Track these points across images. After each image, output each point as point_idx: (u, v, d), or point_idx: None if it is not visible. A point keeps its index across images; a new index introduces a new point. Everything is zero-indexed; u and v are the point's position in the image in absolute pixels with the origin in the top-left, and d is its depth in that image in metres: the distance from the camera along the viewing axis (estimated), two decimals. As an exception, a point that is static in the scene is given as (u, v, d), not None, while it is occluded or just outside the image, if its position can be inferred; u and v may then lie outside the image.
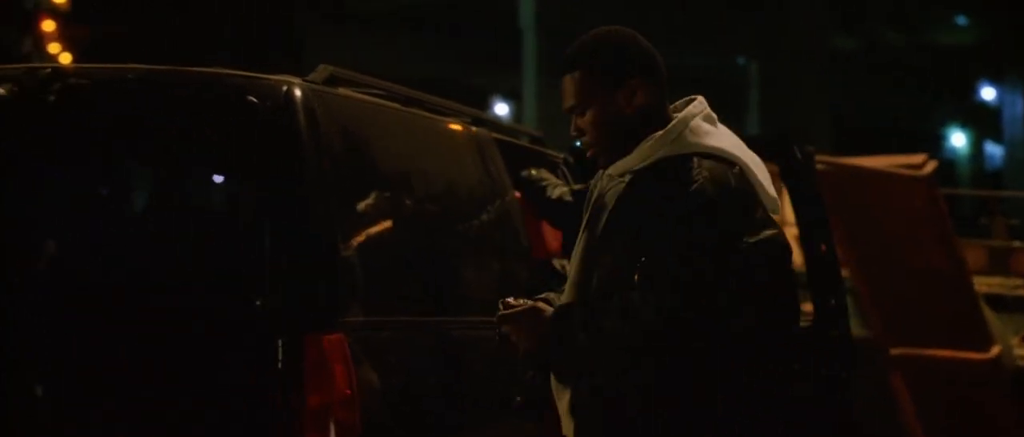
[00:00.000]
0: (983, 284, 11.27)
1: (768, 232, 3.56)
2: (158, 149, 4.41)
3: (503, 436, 4.98)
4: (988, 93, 37.85)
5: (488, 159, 5.30)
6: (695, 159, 3.60)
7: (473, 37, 33.03)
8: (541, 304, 3.67)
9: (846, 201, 8.64)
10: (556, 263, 5.73)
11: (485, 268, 5.19)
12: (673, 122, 3.66)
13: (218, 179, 4.44)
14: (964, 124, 39.13)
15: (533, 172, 5.72)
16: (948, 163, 34.16)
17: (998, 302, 11.15)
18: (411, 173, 4.86)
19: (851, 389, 5.70)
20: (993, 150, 39.70)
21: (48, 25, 21.30)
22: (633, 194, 3.63)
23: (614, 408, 3.59)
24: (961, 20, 36.88)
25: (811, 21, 31.91)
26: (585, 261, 3.69)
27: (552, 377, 3.78)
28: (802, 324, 5.85)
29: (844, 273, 6.26)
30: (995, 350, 9.52)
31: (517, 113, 33.16)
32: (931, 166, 9.89)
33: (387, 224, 4.59)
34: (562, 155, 6.17)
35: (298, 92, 4.30)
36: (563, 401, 3.73)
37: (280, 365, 4.10)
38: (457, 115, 5.44)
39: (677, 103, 3.76)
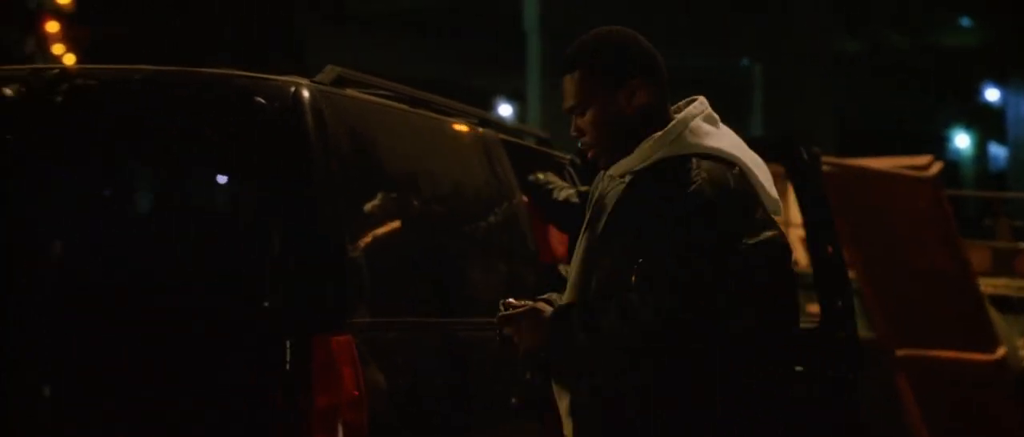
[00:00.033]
0: (988, 285, 11.27)
1: (768, 233, 3.55)
2: (166, 150, 4.41)
3: (509, 437, 4.98)
4: (992, 95, 37.82)
5: (495, 160, 5.30)
6: (694, 160, 3.59)
7: (475, 38, 33.02)
8: (541, 304, 3.66)
9: (851, 202, 8.64)
10: (562, 269, 5.73)
11: (491, 269, 5.19)
12: (673, 122, 3.65)
13: (226, 180, 4.45)
14: (968, 126, 39.11)
15: (540, 176, 5.72)
16: (952, 164, 34.14)
17: (1003, 303, 11.15)
18: (418, 174, 4.86)
19: (858, 390, 5.70)
20: (997, 151, 39.67)
21: (52, 26, 21.31)
22: (633, 195, 3.63)
23: (613, 409, 3.59)
24: (965, 22, 36.86)
25: (815, 23, 31.91)
26: (585, 262, 3.69)
27: (553, 378, 3.78)
28: (809, 325, 5.87)
29: (850, 274, 6.27)
30: (1000, 351, 9.52)
31: (521, 114, 33.13)
32: (936, 167, 9.90)
33: (394, 225, 4.59)
34: (569, 156, 6.17)
35: (306, 93, 4.30)
36: (563, 402, 3.72)
37: (288, 366, 4.10)
38: (464, 116, 5.44)
39: (679, 104, 3.76)
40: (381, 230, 4.51)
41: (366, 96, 4.81)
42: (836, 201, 6.47)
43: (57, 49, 21.29)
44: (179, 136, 4.38)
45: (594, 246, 3.67)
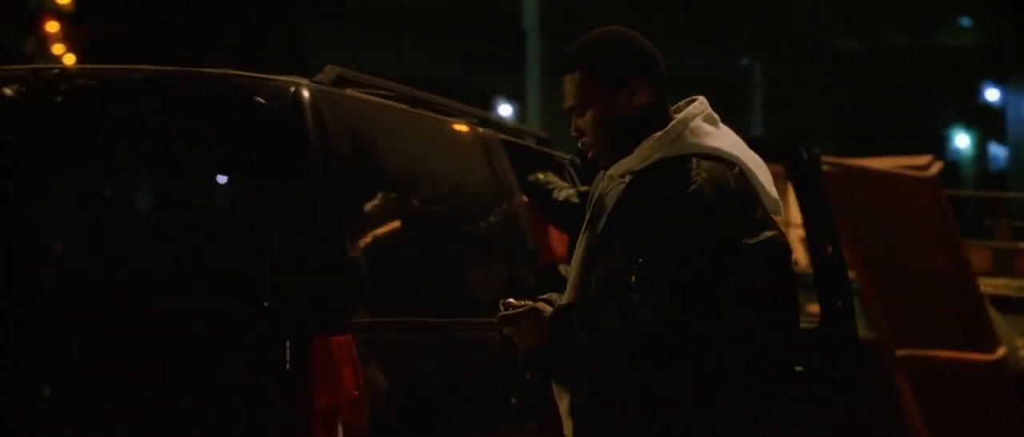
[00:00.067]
0: (988, 285, 11.27)
1: (768, 233, 3.55)
2: (165, 150, 4.41)
3: (509, 437, 4.98)
4: (992, 94, 37.83)
5: (495, 160, 5.30)
6: (694, 160, 3.59)
7: (474, 38, 33.00)
8: (541, 304, 3.66)
9: (851, 202, 8.64)
10: (562, 269, 5.73)
11: (492, 269, 5.19)
12: (672, 123, 3.65)
13: (226, 180, 4.45)
14: (968, 125, 39.11)
15: (540, 176, 5.72)
16: (952, 164, 34.13)
17: (1003, 303, 11.14)
18: (418, 174, 4.86)
19: (858, 390, 5.70)
20: (997, 151, 39.67)
21: (52, 26, 21.31)
22: (633, 195, 3.63)
23: (613, 409, 3.59)
24: (965, 21, 36.86)
25: (815, 23, 31.90)
26: (585, 263, 3.69)
27: (552, 378, 3.78)
28: (809, 325, 5.87)
29: (850, 274, 6.26)
30: (1000, 351, 9.52)
31: (521, 114, 33.13)
32: (937, 167, 9.90)
33: (394, 225, 4.59)
34: (569, 156, 6.16)
35: (306, 93, 4.30)
36: (563, 403, 3.72)
37: (288, 366, 4.10)
38: (464, 116, 5.44)
39: (679, 104, 3.76)
40: (381, 230, 4.51)
41: (366, 96, 4.81)
42: (836, 201, 6.47)
43: (57, 49, 21.28)
44: (179, 136, 4.38)
45: (594, 246, 3.67)
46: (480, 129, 5.42)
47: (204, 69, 4.57)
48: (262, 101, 4.31)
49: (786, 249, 3.60)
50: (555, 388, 3.76)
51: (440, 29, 33.11)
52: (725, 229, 3.50)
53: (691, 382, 3.53)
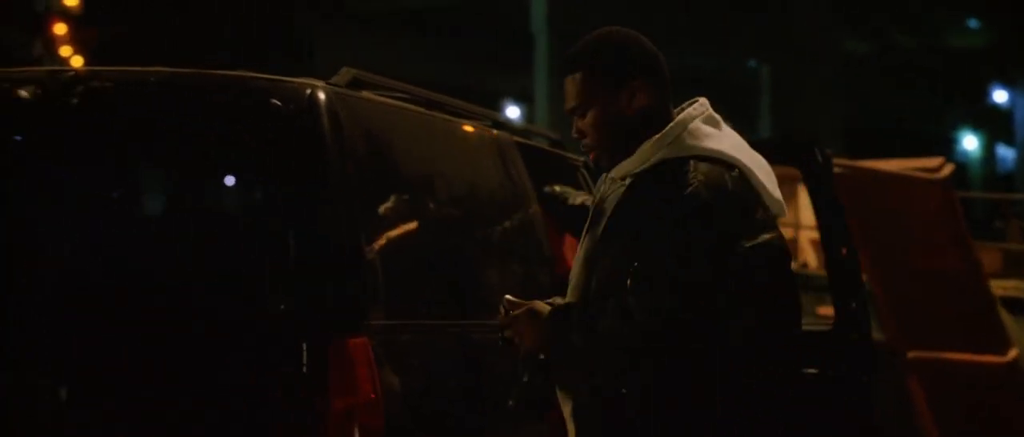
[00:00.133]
0: (999, 287, 11.25)
1: (766, 236, 3.55)
2: (181, 152, 4.40)
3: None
4: (1000, 96, 37.81)
5: (509, 162, 5.30)
6: (692, 162, 3.58)
7: (480, 39, 32.99)
8: (540, 304, 3.65)
9: (862, 204, 8.62)
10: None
11: (507, 271, 5.19)
12: (671, 125, 3.65)
13: (241, 182, 4.44)
14: (976, 127, 39.09)
15: (557, 188, 5.71)
16: (960, 166, 34.04)
17: (1015, 305, 11.12)
18: (433, 176, 4.86)
19: (872, 393, 5.69)
20: (1005, 153, 39.65)
21: (59, 28, 21.30)
22: (632, 198, 3.62)
23: (613, 409, 3.58)
24: (972, 23, 36.84)
25: (822, 24, 31.89)
26: (586, 264, 3.69)
27: (554, 381, 3.77)
28: (823, 328, 5.86)
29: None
30: (1012, 353, 9.50)
31: (529, 116, 33.12)
32: (948, 169, 9.88)
33: (410, 227, 4.59)
34: (582, 159, 6.16)
35: (322, 95, 4.30)
36: (567, 407, 3.72)
37: (305, 368, 4.10)
38: (478, 118, 5.44)
39: (683, 105, 3.75)
40: (396, 232, 4.50)
41: (381, 98, 4.81)
42: (847, 203, 6.45)
43: (65, 51, 21.28)
44: (195, 138, 4.38)
45: (594, 248, 3.67)
46: (495, 131, 5.42)
47: (220, 71, 4.56)
48: (278, 103, 4.31)
49: (785, 251, 3.59)
50: (558, 392, 3.76)
51: (442, 30, 33.09)
52: (723, 230, 3.50)
53: (691, 382, 3.52)
